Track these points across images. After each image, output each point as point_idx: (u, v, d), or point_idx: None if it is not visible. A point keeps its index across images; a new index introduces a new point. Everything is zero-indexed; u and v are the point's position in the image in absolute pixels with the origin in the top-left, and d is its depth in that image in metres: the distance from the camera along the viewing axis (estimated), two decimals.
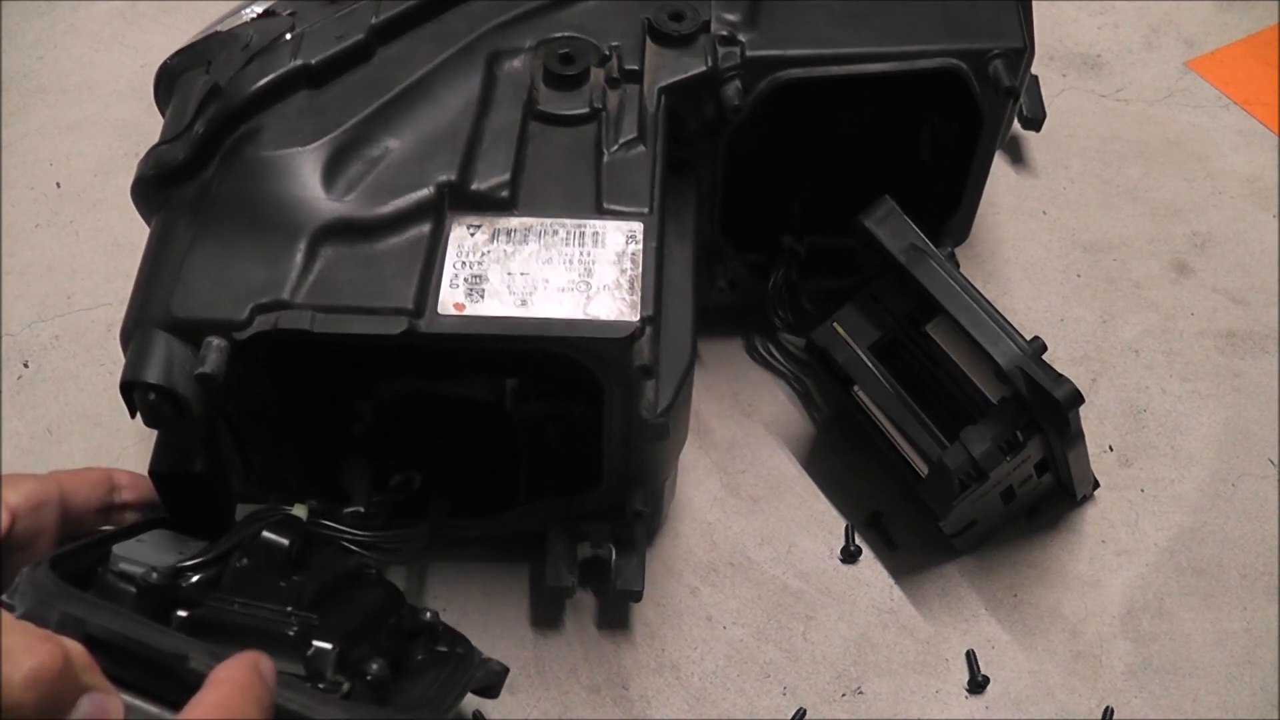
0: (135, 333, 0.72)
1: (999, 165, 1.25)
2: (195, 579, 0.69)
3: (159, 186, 0.80)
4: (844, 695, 0.89)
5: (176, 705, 0.58)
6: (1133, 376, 1.08)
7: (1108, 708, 0.88)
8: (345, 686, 0.66)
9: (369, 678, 0.67)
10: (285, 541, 0.71)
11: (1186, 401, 1.06)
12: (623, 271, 0.75)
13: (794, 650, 0.91)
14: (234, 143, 0.80)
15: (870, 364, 0.92)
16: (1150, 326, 1.11)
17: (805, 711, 0.88)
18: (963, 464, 0.85)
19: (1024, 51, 0.90)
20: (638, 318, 0.73)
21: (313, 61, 0.82)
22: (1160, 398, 1.06)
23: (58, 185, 1.22)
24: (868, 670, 0.90)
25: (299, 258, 0.74)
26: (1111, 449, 1.02)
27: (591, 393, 0.78)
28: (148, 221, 0.81)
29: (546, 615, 0.93)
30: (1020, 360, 0.84)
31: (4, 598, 0.60)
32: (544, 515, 0.89)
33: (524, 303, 0.73)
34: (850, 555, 0.96)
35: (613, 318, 0.73)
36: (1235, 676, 0.89)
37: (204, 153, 0.80)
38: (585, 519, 0.88)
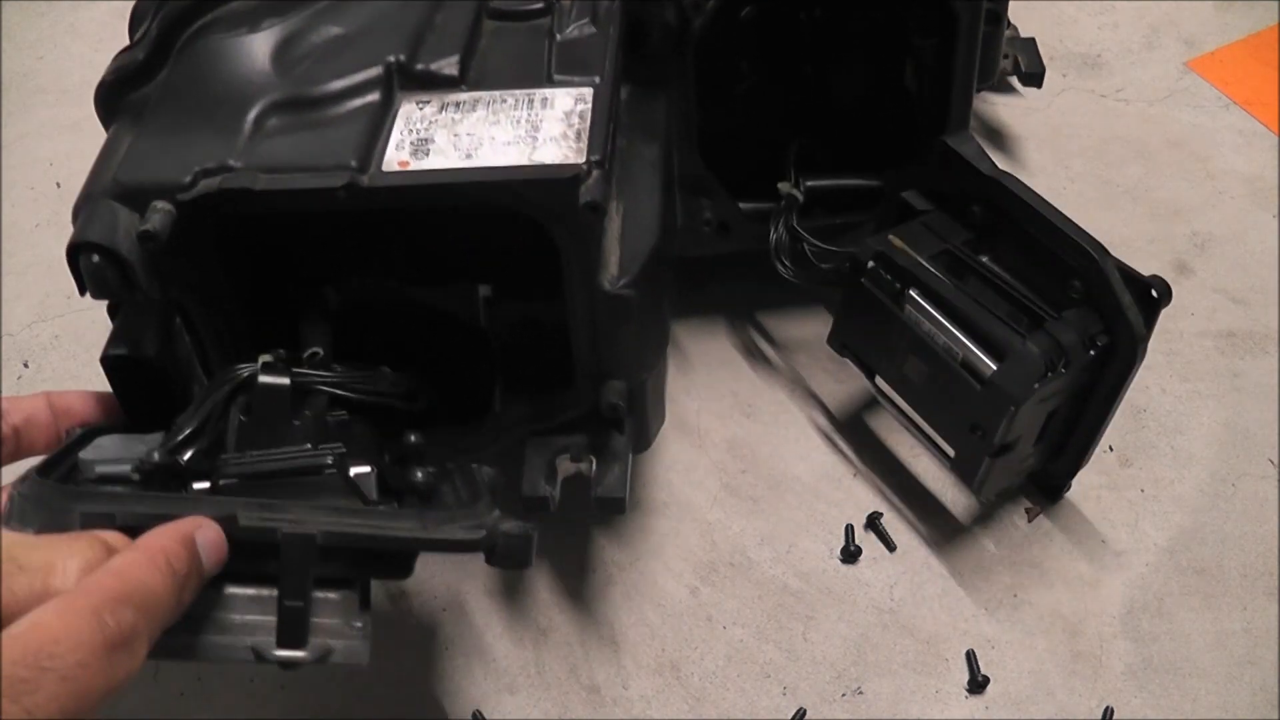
0: (83, 206, 0.71)
1: (998, 165, 1.25)
2: (190, 453, 0.66)
3: (118, 90, 0.80)
4: (844, 695, 0.89)
5: (235, 580, 0.57)
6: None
7: (1108, 708, 0.88)
8: (394, 505, 0.65)
9: (418, 485, 0.66)
10: (285, 380, 0.69)
11: (1186, 401, 1.06)
12: (570, 126, 0.74)
13: (794, 650, 0.91)
14: (187, 39, 0.80)
15: (932, 268, 0.90)
16: None
17: (805, 711, 0.88)
18: (1049, 347, 0.83)
19: None
20: (583, 160, 0.72)
21: None
22: (1160, 398, 1.06)
23: (58, 185, 1.23)
24: (868, 670, 0.90)
25: (246, 128, 0.74)
26: (1111, 449, 1.02)
27: (559, 285, 0.76)
28: (107, 129, 0.81)
29: (548, 614, 0.93)
30: (1106, 255, 0.84)
31: (4, 525, 0.57)
32: (522, 426, 0.86)
33: (469, 156, 0.73)
34: (850, 555, 0.96)
35: (558, 161, 0.72)
36: (1235, 676, 0.89)
37: (160, 51, 0.80)
38: (564, 432, 0.85)
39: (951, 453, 0.91)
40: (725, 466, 1.02)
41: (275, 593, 0.57)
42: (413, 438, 0.75)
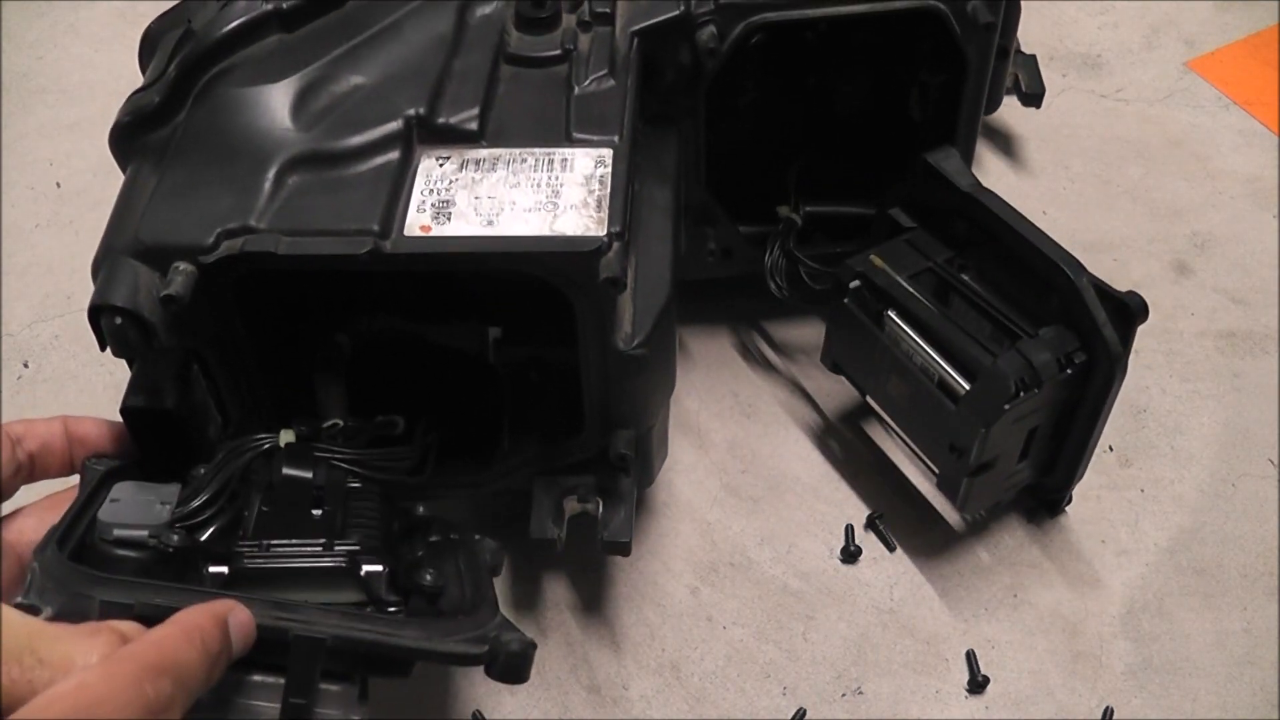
0: (104, 262, 0.71)
1: (998, 165, 1.25)
2: (210, 531, 0.67)
3: (134, 132, 0.80)
4: (844, 695, 0.89)
5: (245, 667, 0.59)
6: (1133, 376, 1.07)
7: (1108, 708, 0.88)
8: (402, 604, 0.67)
9: (425, 589, 0.67)
10: (309, 475, 0.70)
11: (1186, 401, 1.06)
12: (590, 192, 0.74)
13: (794, 650, 0.91)
14: (206, 84, 0.80)
15: (911, 288, 0.90)
16: (1150, 326, 1.10)
17: (805, 711, 0.88)
18: (1020, 368, 0.83)
19: None
20: (604, 232, 0.72)
21: (284, 5, 0.82)
22: (1160, 398, 1.06)
23: (58, 185, 1.23)
24: (868, 670, 0.90)
25: (267, 186, 0.74)
26: (1111, 449, 1.02)
27: (570, 334, 0.77)
28: (124, 170, 0.81)
29: (548, 614, 0.93)
30: (1092, 277, 0.84)
31: (23, 599, 0.58)
32: (529, 467, 0.87)
33: (490, 223, 0.73)
34: (850, 555, 0.96)
35: (579, 233, 0.72)
36: (1235, 676, 0.89)
37: (177, 95, 0.80)
38: (571, 472, 0.86)
39: (937, 471, 0.91)
40: (726, 467, 1.02)
41: (280, 680, 0.60)
42: (420, 509, 0.77)
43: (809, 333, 1.10)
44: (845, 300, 0.93)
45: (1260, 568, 0.95)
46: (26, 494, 0.69)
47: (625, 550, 0.85)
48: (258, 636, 0.59)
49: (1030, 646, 0.91)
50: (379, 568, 0.66)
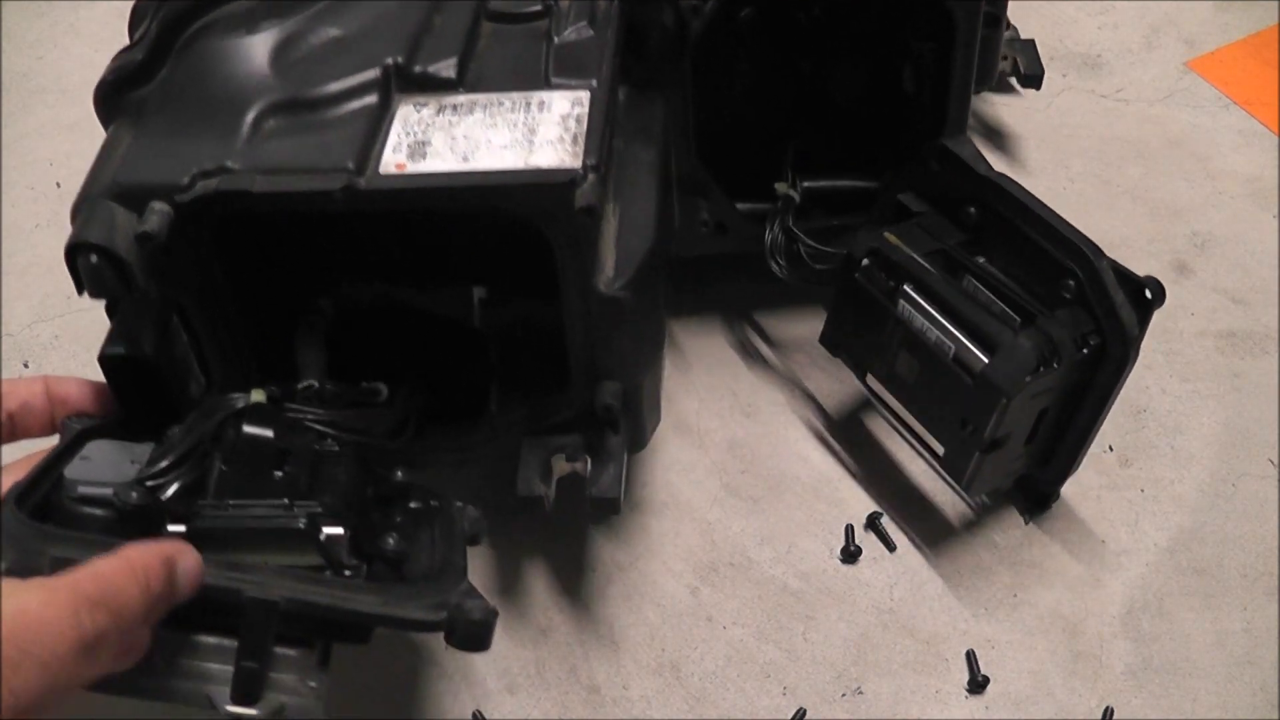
0: (82, 206, 0.71)
1: (997, 165, 1.25)
2: (173, 490, 0.66)
3: (118, 89, 0.80)
4: (844, 695, 0.89)
5: (200, 628, 0.59)
6: (1133, 376, 1.07)
7: (1108, 708, 0.88)
8: (364, 568, 0.66)
9: (388, 553, 0.66)
10: (269, 433, 0.69)
11: (1186, 401, 1.06)
12: (567, 130, 0.74)
13: (794, 650, 0.91)
14: (186, 40, 0.81)
15: (926, 264, 0.90)
16: (1151, 326, 1.11)
17: (805, 711, 0.88)
18: (1041, 342, 0.83)
19: None
20: (579, 164, 0.72)
21: None
22: (1160, 398, 1.06)
23: (58, 185, 1.23)
24: (868, 670, 0.90)
25: (245, 130, 0.74)
26: (1111, 449, 1.02)
27: (555, 288, 0.77)
28: (107, 128, 0.81)
29: (548, 614, 0.93)
30: (1101, 255, 0.84)
31: None
32: (517, 428, 0.86)
33: (466, 159, 0.73)
34: (850, 555, 0.96)
35: (554, 165, 0.72)
36: (1235, 676, 0.89)
37: (159, 51, 0.80)
38: (560, 432, 0.85)
39: (941, 451, 0.91)
40: (725, 466, 1.02)
41: (227, 644, 0.59)
42: (399, 474, 0.76)
43: (808, 332, 1.10)
44: (856, 275, 0.93)
45: (1260, 568, 0.95)
46: (9, 454, 0.68)
47: (615, 508, 0.83)
48: (212, 597, 0.58)
49: (1030, 646, 0.91)
50: (339, 530, 0.64)
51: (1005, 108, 1.34)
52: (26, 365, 1.08)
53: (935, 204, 0.95)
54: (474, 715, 0.87)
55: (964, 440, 0.87)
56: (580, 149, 0.73)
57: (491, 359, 0.89)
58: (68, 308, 1.12)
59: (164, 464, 0.66)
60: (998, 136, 1.30)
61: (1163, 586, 0.94)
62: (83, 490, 0.64)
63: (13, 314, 1.12)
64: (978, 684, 0.89)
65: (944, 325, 0.88)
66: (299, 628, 0.60)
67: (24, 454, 0.67)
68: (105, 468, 0.66)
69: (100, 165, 0.75)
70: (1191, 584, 0.94)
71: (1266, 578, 0.94)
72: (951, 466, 0.90)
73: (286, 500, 0.66)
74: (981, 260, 0.92)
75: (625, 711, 0.88)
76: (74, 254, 0.69)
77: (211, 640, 0.60)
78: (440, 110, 0.76)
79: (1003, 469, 0.92)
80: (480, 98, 0.77)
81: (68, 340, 1.10)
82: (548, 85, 0.78)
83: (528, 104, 0.76)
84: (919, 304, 0.90)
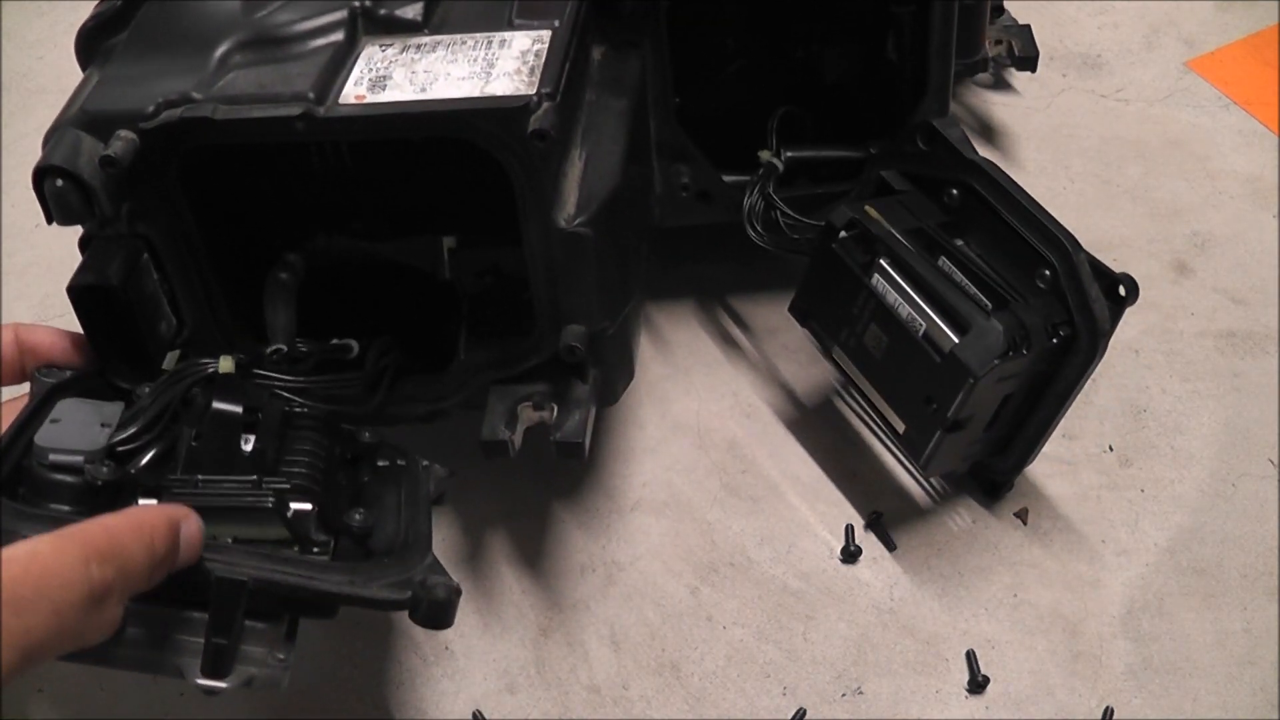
0: (51, 135, 0.73)
1: (997, 165, 1.25)
2: (143, 462, 0.67)
3: (96, 35, 0.83)
4: (844, 695, 0.89)
5: (171, 602, 0.60)
6: (1133, 376, 1.08)
7: (1108, 708, 0.88)
8: (331, 543, 0.67)
9: (354, 529, 0.67)
10: (239, 409, 0.70)
11: (1186, 401, 1.06)
12: (525, 63, 0.76)
13: (794, 650, 0.91)
14: None
15: (905, 240, 0.90)
16: (1150, 326, 1.11)
17: (805, 711, 0.88)
18: (1013, 326, 0.83)
19: None
20: (534, 92, 0.73)
21: None
22: (1160, 398, 1.06)
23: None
24: (868, 670, 0.90)
25: (212, 65, 0.76)
26: (1111, 449, 1.02)
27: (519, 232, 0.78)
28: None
29: (548, 614, 0.93)
30: (1080, 247, 0.84)
31: None
32: (485, 374, 0.85)
33: (424, 90, 0.74)
34: (850, 555, 0.96)
35: (509, 93, 0.74)
36: (1235, 676, 0.89)
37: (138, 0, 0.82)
38: (528, 380, 0.85)
39: (901, 428, 0.90)
40: (725, 466, 1.02)
41: (198, 617, 0.61)
42: (367, 435, 0.77)
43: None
44: (833, 245, 0.93)
45: (1260, 568, 0.95)
46: None
47: (579, 453, 0.82)
48: (182, 574, 0.59)
49: (1030, 646, 0.91)
50: (307, 506, 0.66)
51: (1005, 108, 1.34)
52: None
53: (918, 183, 0.95)
54: (474, 715, 0.87)
55: (926, 419, 0.87)
56: (536, 80, 0.74)
57: (461, 307, 0.89)
58: (68, 308, 1.12)
59: (133, 429, 0.67)
60: (998, 136, 1.30)
61: (1163, 586, 0.94)
62: (54, 458, 0.65)
63: (12, 314, 1.12)
64: (978, 684, 0.89)
65: (916, 302, 0.88)
66: (266, 604, 0.62)
67: None
68: (75, 431, 0.67)
69: (72, 100, 0.77)
70: (1191, 584, 0.94)
71: (1266, 578, 0.94)
72: (910, 445, 0.90)
73: (255, 476, 0.67)
74: (960, 243, 0.92)
75: (625, 711, 0.88)
76: (41, 179, 0.71)
77: (181, 614, 0.61)
78: (404, 50, 0.78)
79: (959, 453, 0.92)
80: (444, 38, 0.79)
81: None
82: (511, 27, 0.80)
83: (489, 42, 0.78)
84: (893, 279, 0.90)
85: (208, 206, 0.79)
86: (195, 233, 0.79)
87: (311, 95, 0.73)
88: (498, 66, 0.76)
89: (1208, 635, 0.91)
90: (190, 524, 0.60)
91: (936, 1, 0.95)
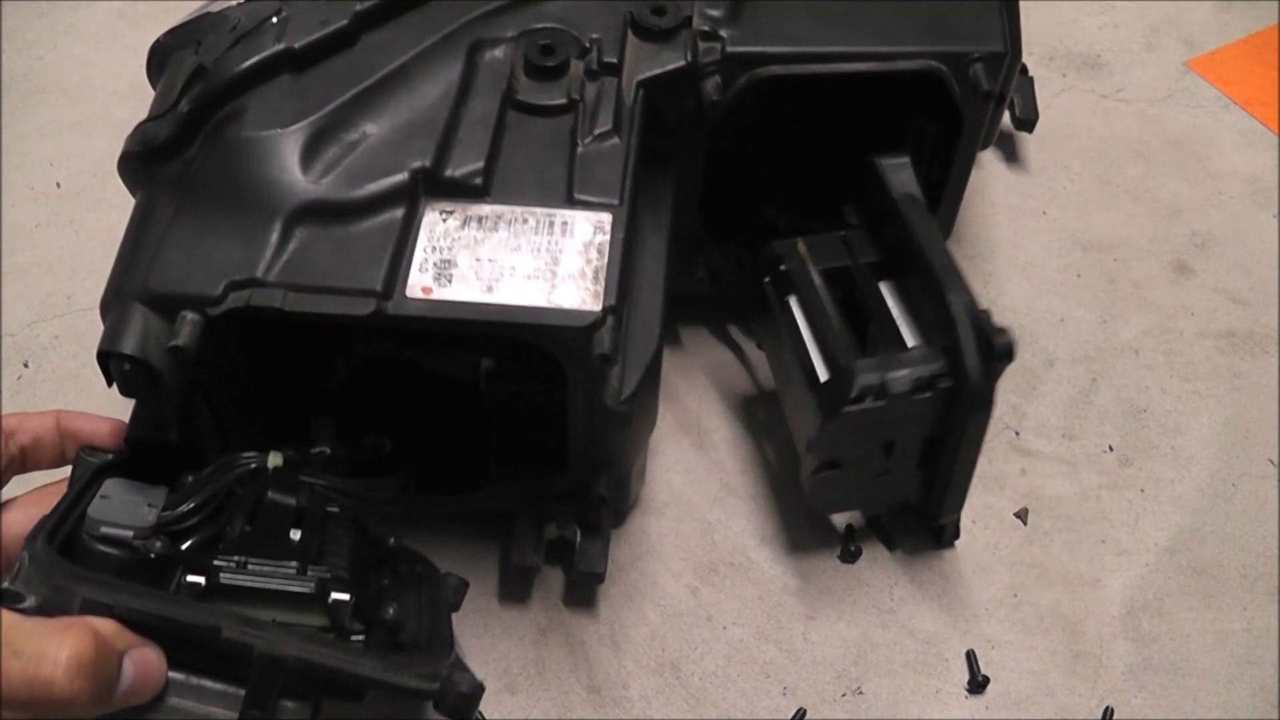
0: (114, 304, 0.74)
1: (997, 165, 1.25)
2: (190, 543, 0.70)
3: (144, 163, 0.82)
4: (844, 695, 0.89)
5: (208, 674, 0.63)
6: (1133, 376, 1.08)
7: (1108, 708, 0.88)
8: (364, 634, 0.70)
9: (387, 621, 0.71)
10: (292, 501, 0.73)
11: (1186, 401, 1.06)
12: (588, 261, 0.76)
13: (794, 650, 0.91)
14: (217, 123, 0.81)
15: (817, 279, 0.91)
16: (1150, 326, 1.11)
17: (805, 711, 0.88)
18: (872, 375, 0.83)
19: (1004, 56, 0.90)
20: (599, 307, 0.74)
21: (296, 45, 0.83)
22: (1160, 398, 1.06)
23: (58, 185, 1.22)
24: (868, 670, 0.90)
25: (274, 237, 0.75)
26: (1111, 449, 1.02)
27: (559, 377, 0.79)
28: (134, 195, 0.83)
29: (548, 614, 0.93)
30: (972, 308, 0.83)
31: (7, 584, 0.61)
32: (513, 496, 0.90)
33: (490, 289, 0.75)
34: (850, 555, 0.96)
35: (575, 306, 0.74)
36: (1235, 676, 0.89)
37: (188, 131, 0.81)
38: (553, 500, 0.89)
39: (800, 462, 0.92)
40: (726, 466, 1.02)
41: (240, 691, 0.63)
42: (391, 541, 0.80)
43: None
44: (766, 281, 0.94)
45: (1260, 568, 0.95)
46: (16, 486, 0.71)
47: (599, 580, 0.90)
48: (226, 649, 0.62)
49: (1030, 646, 0.91)
50: (345, 597, 0.69)
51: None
52: (27, 365, 1.08)
53: (865, 219, 0.96)
54: (476, 715, 0.87)
55: (804, 455, 0.90)
56: (600, 288, 0.75)
57: (492, 426, 0.91)
58: (68, 308, 1.12)
59: (182, 511, 0.71)
60: (998, 136, 1.30)
61: (1163, 586, 0.94)
62: (105, 531, 0.68)
63: (13, 314, 1.12)
64: (978, 684, 0.89)
65: (804, 343, 0.89)
66: (299, 684, 0.65)
67: (30, 486, 0.70)
68: (123, 509, 0.70)
69: (129, 254, 0.77)
70: (1191, 584, 0.94)
71: (1267, 578, 0.94)
72: (801, 479, 0.92)
73: (297, 564, 0.70)
74: (885, 284, 0.92)
75: (625, 711, 0.88)
76: (106, 359, 0.72)
77: (219, 687, 0.64)
78: (465, 223, 0.78)
79: (851, 494, 0.94)
80: (505, 211, 0.78)
81: (68, 340, 1.10)
82: (570, 201, 0.80)
83: (551, 224, 0.78)
84: (794, 318, 0.91)
85: (256, 342, 0.81)
86: (245, 368, 0.81)
87: (379, 288, 0.73)
88: (561, 264, 0.76)
89: (1208, 635, 0.91)
90: (145, 654, 0.61)
91: (965, 134, 0.94)
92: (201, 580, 0.68)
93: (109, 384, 0.73)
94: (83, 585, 0.62)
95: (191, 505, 0.71)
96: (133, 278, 0.74)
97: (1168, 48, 1.39)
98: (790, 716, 0.88)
